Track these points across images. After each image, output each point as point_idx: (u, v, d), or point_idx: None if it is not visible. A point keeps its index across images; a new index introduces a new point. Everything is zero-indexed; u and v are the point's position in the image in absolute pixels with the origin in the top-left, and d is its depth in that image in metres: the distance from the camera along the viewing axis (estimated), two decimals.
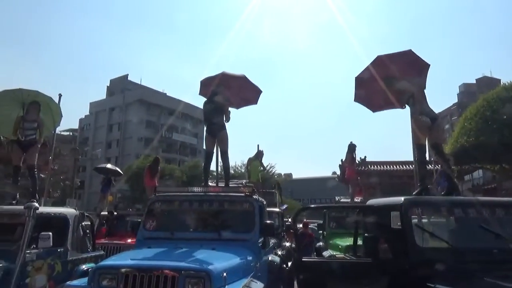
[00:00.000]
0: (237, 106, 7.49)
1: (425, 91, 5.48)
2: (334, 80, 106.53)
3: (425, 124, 5.07)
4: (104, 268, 3.83)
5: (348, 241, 7.75)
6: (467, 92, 57.17)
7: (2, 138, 15.05)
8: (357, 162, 14.57)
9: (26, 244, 4.56)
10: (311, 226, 12.75)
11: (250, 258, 4.63)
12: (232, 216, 5.33)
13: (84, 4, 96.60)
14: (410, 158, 5.49)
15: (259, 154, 12.09)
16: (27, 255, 4.61)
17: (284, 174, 53.58)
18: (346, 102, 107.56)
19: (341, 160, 14.64)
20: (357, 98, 6.17)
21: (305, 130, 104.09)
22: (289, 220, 10.66)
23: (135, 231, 5.38)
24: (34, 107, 6.57)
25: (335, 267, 4.85)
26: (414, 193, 4.95)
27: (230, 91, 6.76)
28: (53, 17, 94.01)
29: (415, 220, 4.02)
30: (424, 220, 4.26)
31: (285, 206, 14.57)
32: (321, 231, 11.36)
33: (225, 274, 3.66)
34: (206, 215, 5.37)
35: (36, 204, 4.90)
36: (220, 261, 3.99)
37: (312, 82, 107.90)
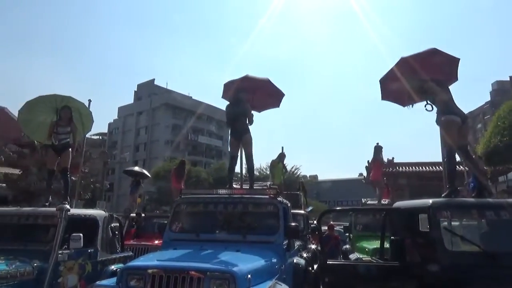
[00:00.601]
0: (260, 110, 7.51)
1: (457, 88, 5.31)
2: (359, 81, 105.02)
3: (455, 124, 4.91)
4: (132, 269, 3.93)
5: (375, 244, 7.62)
6: (500, 89, 54.94)
7: (36, 143, 15.72)
8: (384, 163, 14.26)
9: (58, 245, 4.73)
10: (337, 228, 12.60)
11: (274, 260, 4.62)
12: (256, 218, 5.34)
13: (111, 13, 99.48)
14: (440, 159, 5.30)
15: (281, 156, 12.08)
16: (59, 255, 4.77)
17: (310, 176, 53.19)
18: (373, 102, 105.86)
19: (368, 161, 14.42)
20: (385, 97, 6.07)
21: (331, 131, 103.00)
22: (315, 222, 10.58)
23: (161, 232, 5.47)
24: (66, 112, 6.81)
25: (361, 270, 4.78)
26: (443, 195, 4.81)
27: (253, 95, 6.77)
28: (83, 27, 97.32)
29: (444, 223, 3.91)
30: (455, 223, 4.14)
31: (310, 208, 14.47)
32: (347, 234, 11.21)
33: (249, 276, 3.67)
34: (231, 217, 5.40)
35: (68, 206, 5.07)
36: (244, 263, 4.00)
37: (337, 83, 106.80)
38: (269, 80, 6.97)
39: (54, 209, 5.06)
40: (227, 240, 4.95)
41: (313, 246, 8.73)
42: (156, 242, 7.81)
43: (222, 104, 6.84)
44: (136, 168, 14.35)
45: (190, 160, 43.28)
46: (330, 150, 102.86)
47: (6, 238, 5.29)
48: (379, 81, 5.91)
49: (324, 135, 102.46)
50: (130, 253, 6.74)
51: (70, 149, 6.92)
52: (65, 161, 6.88)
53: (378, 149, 11.54)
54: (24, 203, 10.61)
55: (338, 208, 10.37)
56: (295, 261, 5.66)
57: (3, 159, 16.66)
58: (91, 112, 7.45)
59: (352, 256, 8.81)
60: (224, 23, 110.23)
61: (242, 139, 6.38)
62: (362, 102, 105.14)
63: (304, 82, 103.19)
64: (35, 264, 4.65)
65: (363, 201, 12.90)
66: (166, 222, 5.79)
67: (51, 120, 6.97)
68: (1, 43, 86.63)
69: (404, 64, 5.47)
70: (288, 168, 31.42)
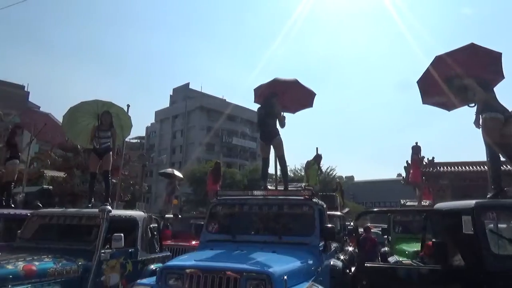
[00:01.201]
0: (294, 111, 7.49)
1: (503, 82, 5.04)
2: (396, 79, 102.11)
3: (496, 122, 4.66)
4: (171, 268, 4.03)
5: (415, 247, 7.39)
6: None
7: (79, 147, 16.47)
8: (424, 163, 13.78)
9: (101, 244, 4.93)
10: (374, 230, 12.31)
11: (311, 262, 4.58)
12: (291, 220, 5.33)
13: (147, 21, 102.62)
14: (484, 158, 5.01)
15: (317, 158, 11.96)
16: (102, 254, 4.97)
17: (346, 177, 52.26)
18: (411, 101, 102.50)
19: (406, 161, 14.01)
20: (426, 101, 5.80)
21: (368, 131, 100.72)
22: (351, 224, 10.40)
23: (198, 233, 5.57)
24: (107, 117, 7.10)
25: (401, 274, 4.64)
26: (488, 196, 4.57)
27: (284, 97, 6.77)
28: (120, 34, 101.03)
29: (490, 225, 3.72)
30: (502, 225, 3.93)
31: (346, 210, 14.23)
32: (385, 236, 10.92)
33: (285, 277, 3.66)
34: (266, 218, 5.41)
35: (109, 207, 5.27)
36: (280, 264, 4.00)
37: (373, 83, 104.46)
38: (298, 81, 6.93)
39: (97, 210, 5.28)
40: (262, 241, 4.96)
41: (350, 248, 8.57)
42: (193, 242, 7.96)
43: (255, 106, 6.86)
44: (170, 170, 14.67)
45: (224, 162, 43.85)
46: (367, 151, 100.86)
47: (53, 238, 5.58)
48: (417, 82, 5.67)
49: (360, 135, 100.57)
50: (168, 253, 6.90)
51: (110, 153, 7.21)
52: (106, 164, 7.17)
53: (416, 149, 11.19)
54: (69, 205, 11.13)
55: (376, 210, 10.12)
56: (332, 263, 5.58)
57: (49, 162, 17.56)
58: (130, 117, 7.72)
59: (391, 259, 8.59)
60: (257, 25, 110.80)
61: (273, 142, 6.38)
62: (400, 100, 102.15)
63: (339, 82, 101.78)
64: (79, 263, 4.87)
65: (402, 202, 12.53)
66: (202, 223, 5.90)
67: (92, 125, 7.29)
68: (46, 53, 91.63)
69: (440, 63, 5.17)
70: (324, 169, 31.03)
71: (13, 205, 8.01)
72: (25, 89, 52.02)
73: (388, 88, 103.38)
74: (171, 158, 56.99)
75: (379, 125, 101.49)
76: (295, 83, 6.93)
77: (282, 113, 6.59)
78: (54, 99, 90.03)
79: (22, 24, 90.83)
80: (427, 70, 5.41)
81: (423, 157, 11.97)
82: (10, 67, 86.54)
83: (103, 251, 4.99)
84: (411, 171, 11.40)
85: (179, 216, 11.46)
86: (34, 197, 9.95)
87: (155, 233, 6.62)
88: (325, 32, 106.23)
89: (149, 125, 64.96)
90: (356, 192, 52.69)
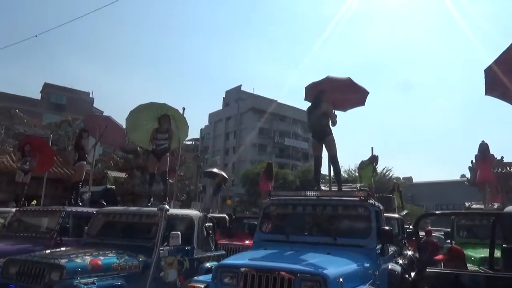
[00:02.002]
0: (344, 109, 7.30)
1: None
2: (456, 76, 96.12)
3: None
4: (226, 267, 4.10)
5: (483, 253, 6.88)
6: None
7: (139, 149, 17.36)
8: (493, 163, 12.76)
9: (159, 242, 5.14)
10: (435, 234, 11.64)
11: (367, 265, 4.44)
12: (346, 221, 5.19)
13: (200, 26, 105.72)
14: None
15: (373, 159, 11.56)
16: (160, 251, 5.18)
17: (403, 178, 49.97)
18: (475, 97, 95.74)
19: (471, 161, 13.10)
20: (489, 92, 5.42)
21: (427, 131, 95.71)
22: (410, 227, 9.92)
23: (252, 233, 5.61)
24: (166, 120, 7.41)
25: (467, 281, 4.32)
26: None
27: (336, 95, 6.61)
28: (173, 40, 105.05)
29: None
30: None
31: (405, 212, 13.62)
32: (448, 240, 10.28)
33: (341, 279, 3.58)
34: (320, 219, 5.32)
35: (167, 206, 5.48)
36: (336, 266, 3.91)
37: (432, 80, 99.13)
38: (351, 79, 6.74)
39: (156, 209, 5.51)
40: (317, 242, 4.88)
41: (410, 252, 8.17)
42: (247, 242, 8.03)
43: (307, 106, 6.78)
44: (215, 170, 14.92)
45: (277, 163, 43.87)
46: (426, 151, 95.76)
47: (116, 234, 5.91)
48: (484, 70, 5.29)
49: (418, 135, 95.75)
50: (223, 252, 7.03)
51: (168, 154, 7.50)
52: (164, 165, 7.48)
53: (484, 147, 10.39)
54: (129, 204, 11.75)
55: (438, 212, 9.52)
56: (389, 267, 5.37)
57: (112, 164, 18.69)
58: (186, 120, 7.97)
59: None
60: (308, 25, 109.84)
61: (325, 140, 6.25)
62: (461, 98, 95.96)
63: (393, 81, 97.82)
64: (140, 259, 5.12)
65: (467, 205, 11.71)
66: (256, 223, 5.94)
67: (152, 127, 7.64)
68: (107, 61, 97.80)
69: (506, 56, 4.83)
70: (379, 169, 30.00)
71: (80, 203, 8.63)
72: (90, 96, 55.89)
73: (448, 86, 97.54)
74: (225, 159, 58.12)
75: (440, 124, 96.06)
76: (348, 81, 6.75)
77: (333, 111, 6.45)
78: (115, 104, 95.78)
79: (85, 35, 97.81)
80: (502, 56, 5.03)
81: (493, 155, 11.09)
82: (76, 76, 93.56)
83: (161, 248, 5.20)
84: (480, 170, 10.62)
85: (234, 216, 11.63)
86: (98, 196, 10.63)
87: (210, 232, 6.77)
88: (382, 27, 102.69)
89: (203, 127, 66.84)
90: (415, 194, 50.24)
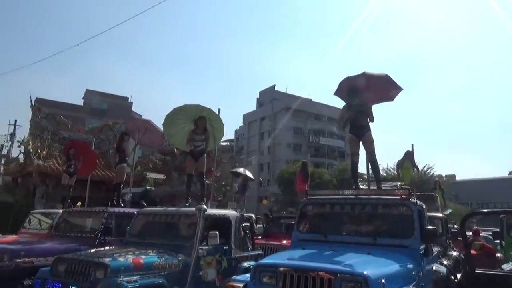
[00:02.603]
0: (372, 103, 7.08)
1: None
2: (502, 69, 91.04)
3: None
4: (264, 266, 4.08)
5: None
6: None
7: (176, 150, 17.74)
8: None
9: (198, 241, 5.22)
10: (483, 234, 11.08)
11: (410, 265, 4.27)
12: (387, 221, 5.02)
13: (232, 27, 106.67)
14: None
15: (407, 155, 11.20)
16: (199, 250, 5.25)
17: (446, 176, 47.88)
18: None
19: None
20: None
21: (469, 127, 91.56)
22: (455, 226, 9.50)
23: (289, 232, 5.56)
24: (202, 122, 7.53)
25: None
26: None
27: (370, 91, 6.42)
28: (207, 44, 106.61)
29: None
30: None
31: (449, 211, 13.09)
32: (497, 241, 9.75)
33: (383, 280, 3.46)
34: (359, 219, 5.18)
35: (205, 206, 5.56)
36: (377, 266, 3.79)
37: (475, 73, 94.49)
38: (388, 76, 6.52)
39: (194, 209, 5.60)
40: (356, 242, 4.76)
41: (455, 253, 7.82)
42: (284, 242, 7.99)
43: (342, 104, 6.62)
44: (241, 170, 15.00)
45: (312, 162, 43.52)
46: (470, 148, 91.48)
47: (156, 234, 6.05)
48: None
49: (461, 132, 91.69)
50: (260, 252, 7.02)
51: (205, 155, 7.60)
52: (202, 166, 7.59)
53: None
54: (168, 204, 12.02)
55: (486, 211, 9.04)
56: (434, 268, 5.15)
57: (151, 166, 19.22)
58: (222, 121, 8.05)
59: (506, 266, 7.64)
60: (340, 22, 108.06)
61: (363, 137, 6.08)
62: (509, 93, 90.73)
63: (437, 77, 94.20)
64: (180, 258, 5.21)
65: None
66: (293, 222, 5.88)
67: (188, 129, 7.77)
68: (144, 66, 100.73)
69: None
70: (420, 167, 28.85)
71: (122, 204, 8.92)
72: (129, 100, 57.85)
73: (495, 82, 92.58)
74: (260, 160, 58.29)
75: (485, 120, 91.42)
76: (385, 78, 6.54)
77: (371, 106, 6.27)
78: (152, 107, 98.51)
79: (122, 42, 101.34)
80: None
81: None
82: (115, 81, 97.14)
83: (200, 247, 5.27)
84: None
85: (270, 215, 11.63)
86: (139, 197, 10.95)
87: (247, 231, 6.78)
88: (422, 21, 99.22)
89: (238, 128, 67.35)
90: (459, 192, 48.02)
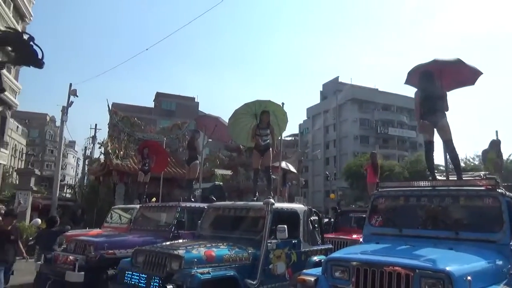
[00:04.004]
0: (448, 89, 6.52)
1: None
2: None
3: None
4: (336, 260, 3.95)
5: None
6: None
7: (241, 147, 18.07)
8: None
9: (267, 235, 5.23)
10: None
11: (500, 262, 3.88)
12: (470, 213, 4.60)
13: (292, 22, 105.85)
14: None
15: (493, 144, 10.22)
16: (268, 244, 5.26)
17: None
18: None
19: None
20: None
21: None
22: None
23: (359, 226, 5.35)
24: (266, 116, 7.53)
25: None
26: None
27: (445, 77, 5.93)
28: (269, 40, 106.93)
29: None
30: None
31: None
32: None
33: (469, 277, 3.16)
34: (437, 212, 4.81)
35: (272, 200, 5.55)
36: (461, 262, 3.49)
37: None
38: (461, 60, 5.95)
39: (261, 203, 5.61)
40: (434, 236, 4.42)
41: None
42: (354, 236, 7.74)
43: (412, 93, 6.20)
44: (283, 164, 14.80)
45: (381, 154, 41.65)
46: None
47: (225, 227, 6.18)
48: None
49: None
50: (330, 246, 6.88)
51: (270, 149, 7.61)
52: (267, 160, 7.61)
53: None
54: (236, 199, 12.28)
55: None
56: None
57: (218, 162, 19.83)
58: (285, 113, 7.99)
59: None
60: (402, 6, 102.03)
61: (438, 124, 5.62)
62: None
63: None
64: (250, 251, 5.26)
65: None
66: (363, 216, 5.65)
67: (251, 124, 7.83)
68: (207, 66, 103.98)
69: None
70: (505, 156, 26.28)
71: (193, 199, 9.27)
72: (195, 100, 60.14)
73: None
74: (325, 153, 57.30)
75: None
76: (458, 63, 5.99)
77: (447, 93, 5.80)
78: (218, 105, 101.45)
79: (187, 44, 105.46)
80: None
81: None
82: (183, 83, 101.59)
83: (269, 241, 5.28)
84: None
85: (339, 209, 11.36)
86: (208, 192, 11.32)
87: (316, 225, 6.67)
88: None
89: (302, 122, 66.76)
90: None
